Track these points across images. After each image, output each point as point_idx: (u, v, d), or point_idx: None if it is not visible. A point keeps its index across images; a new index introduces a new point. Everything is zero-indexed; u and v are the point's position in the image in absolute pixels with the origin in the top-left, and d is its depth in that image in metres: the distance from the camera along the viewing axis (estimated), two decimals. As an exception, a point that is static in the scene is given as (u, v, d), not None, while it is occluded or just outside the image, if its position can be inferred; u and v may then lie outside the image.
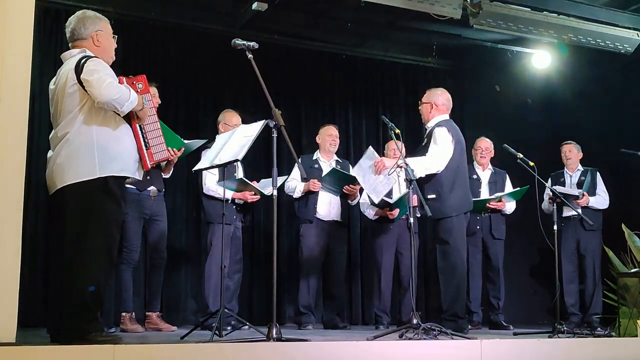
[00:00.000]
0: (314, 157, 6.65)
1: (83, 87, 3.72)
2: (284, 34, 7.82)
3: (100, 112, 3.78)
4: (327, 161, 6.63)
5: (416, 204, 5.51)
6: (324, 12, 7.46)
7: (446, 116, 5.69)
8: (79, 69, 3.72)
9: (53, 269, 3.89)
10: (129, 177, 3.96)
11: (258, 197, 6.01)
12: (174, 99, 7.07)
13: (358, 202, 6.81)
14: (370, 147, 5.97)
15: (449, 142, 5.46)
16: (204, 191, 5.98)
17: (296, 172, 6.50)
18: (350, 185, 6.37)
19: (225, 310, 4.58)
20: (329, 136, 6.65)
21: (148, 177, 5.51)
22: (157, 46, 7.43)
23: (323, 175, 6.33)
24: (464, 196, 5.55)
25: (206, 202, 5.99)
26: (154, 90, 5.63)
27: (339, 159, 6.76)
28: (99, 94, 3.66)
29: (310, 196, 6.43)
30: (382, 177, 5.72)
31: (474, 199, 5.93)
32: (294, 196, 6.51)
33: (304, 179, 6.23)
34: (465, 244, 5.55)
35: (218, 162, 4.79)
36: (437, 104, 5.68)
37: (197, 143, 5.70)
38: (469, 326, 5.49)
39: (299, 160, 4.69)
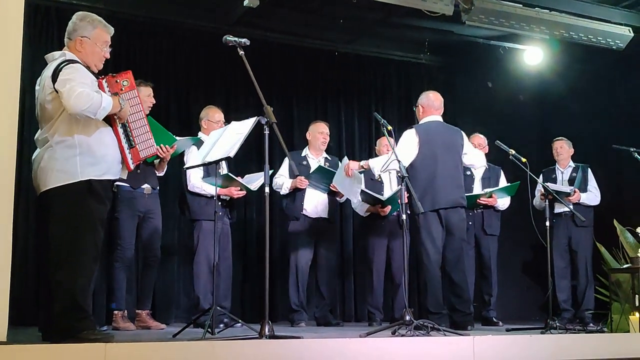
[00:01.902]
0: (303, 154, 6.59)
1: None
2: (275, 31, 7.80)
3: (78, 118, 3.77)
4: (315, 158, 6.57)
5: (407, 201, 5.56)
6: (316, 9, 7.44)
7: (435, 117, 5.89)
8: (55, 76, 3.72)
9: (43, 269, 3.88)
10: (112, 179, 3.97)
11: (244, 192, 5.96)
12: (165, 96, 7.04)
13: (349, 199, 6.81)
14: (345, 158, 6.24)
15: (410, 143, 5.68)
16: (189, 188, 5.93)
17: (284, 169, 6.48)
18: None
19: (218, 307, 4.57)
20: (320, 134, 6.59)
21: (138, 171, 5.48)
22: (147, 43, 7.40)
23: (310, 172, 6.30)
24: (433, 195, 5.60)
25: (191, 199, 5.94)
26: (149, 90, 5.61)
27: (328, 156, 6.69)
28: (69, 106, 3.65)
29: (297, 193, 6.39)
30: (353, 178, 6.12)
31: (466, 195, 5.97)
32: (281, 192, 6.47)
33: (295, 175, 6.21)
34: (436, 241, 5.59)
35: (210, 159, 4.77)
36: (424, 106, 5.93)
37: (189, 142, 5.67)
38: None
39: (289, 157, 4.67)
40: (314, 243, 6.44)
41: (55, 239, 3.71)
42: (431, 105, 5.87)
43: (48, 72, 3.82)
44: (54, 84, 3.71)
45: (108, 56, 4.05)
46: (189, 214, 5.98)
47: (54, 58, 3.90)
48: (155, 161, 5.60)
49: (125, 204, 5.55)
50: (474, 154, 6.05)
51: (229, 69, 7.39)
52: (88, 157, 3.76)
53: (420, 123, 5.88)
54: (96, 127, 3.82)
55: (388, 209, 6.51)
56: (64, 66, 3.75)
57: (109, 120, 3.90)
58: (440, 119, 5.90)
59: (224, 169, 5.92)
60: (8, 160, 3.42)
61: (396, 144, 5.68)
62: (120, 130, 3.97)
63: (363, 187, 6.59)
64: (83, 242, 3.70)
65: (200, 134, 6.04)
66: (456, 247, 5.69)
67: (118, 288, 5.56)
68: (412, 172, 5.61)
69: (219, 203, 5.87)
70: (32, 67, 5.80)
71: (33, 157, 3.89)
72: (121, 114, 3.94)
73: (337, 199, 6.58)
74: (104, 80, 3.95)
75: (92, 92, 3.72)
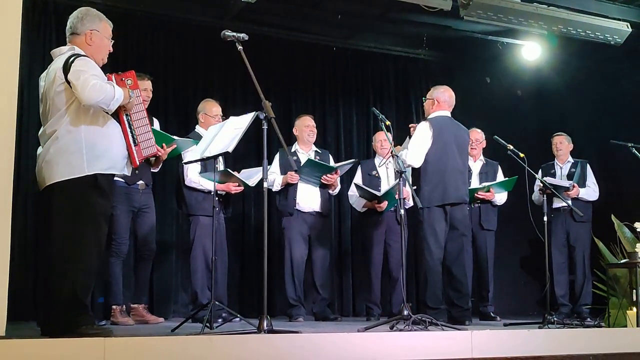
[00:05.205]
0: (293, 149, 6.57)
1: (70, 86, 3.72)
2: (274, 26, 7.80)
3: (88, 110, 3.79)
4: (305, 152, 6.55)
5: (406, 196, 5.58)
6: (314, 4, 7.43)
7: (446, 112, 5.91)
8: (66, 68, 3.73)
9: (43, 264, 3.88)
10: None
11: (242, 188, 5.96)
12: (163, 91, 7.03)
13: (347, 194, 6.81)
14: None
15: (425, 137, 5.68)
16: (185, 183, 5.91)
17: (275, 165, 6.46)
18: (328, 175, 6.33)
19: (216, 302, 4.58)
20: (306, 127, 6.58)
21: (137, 172, 5.49)
22: (146, 38, 7.39)
23: (300, 166, 6.30)
24: (443, 189, 5.63)
25: (188, 194, 5.92)
26: (148, 83, 5.59)
27: (318, 150, 6.68)
28: (84, 97, 3.67)
29: (289, 189, 6.37)
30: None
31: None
32: (273, 189, 6.44)
33: (294, 171, 6.21)
34: (439, 237, 5.61)
35: (208, 154, 4.78)
36: (439, 101, 5.91)
37: (189, 143, 5.60)
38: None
39: (288, 152, 4.67)
40: (308, 237, 6.44)
41: (58, 233, 3.70)
42: (446, 101, 5.89)
43: (57, 64, 3.82)
44: (66, 76, 3.72)
45: (112, 50, 4.07)
46: (185, 209, 5.98)
47: (62, 52, 3.91)
48: (151, 159, 5.59)
49: (120, 199, 5.53)
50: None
51: (227, 64, 7.38)
52: (94, 150, 3.76)
53: (431, 116, 5.87)
54: (104, 121, 3.84)
55: (385, 204, 6.51)
56: (75, 59, 3.76)
57: (116, 114, 3.92)
58: (450, 116, 5.92)
59: (220, 164, 5.92)
60: (7, 155, 3.43)
61: (393, 139, 5.69)
62: (127, 125, 3.98)
63: (360, 182, 6.60)
64: (86, 238, 3.71)
65: (197, 128, 6.03)
66: (457, 242, 5.72)
67: (115, 283, 5.55)
68: (423, 165, 5.66)
69: (216, 198, 5.87)
70: (30, 63, 5.81)
71: (38, 152, 3.89)
72: (129, 105, 3.97)
73: (330, 191, 6.57)
74: (112, 77, 3.97)
75: (105, 83, 3.76)
